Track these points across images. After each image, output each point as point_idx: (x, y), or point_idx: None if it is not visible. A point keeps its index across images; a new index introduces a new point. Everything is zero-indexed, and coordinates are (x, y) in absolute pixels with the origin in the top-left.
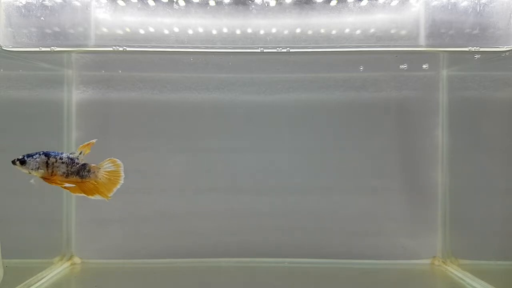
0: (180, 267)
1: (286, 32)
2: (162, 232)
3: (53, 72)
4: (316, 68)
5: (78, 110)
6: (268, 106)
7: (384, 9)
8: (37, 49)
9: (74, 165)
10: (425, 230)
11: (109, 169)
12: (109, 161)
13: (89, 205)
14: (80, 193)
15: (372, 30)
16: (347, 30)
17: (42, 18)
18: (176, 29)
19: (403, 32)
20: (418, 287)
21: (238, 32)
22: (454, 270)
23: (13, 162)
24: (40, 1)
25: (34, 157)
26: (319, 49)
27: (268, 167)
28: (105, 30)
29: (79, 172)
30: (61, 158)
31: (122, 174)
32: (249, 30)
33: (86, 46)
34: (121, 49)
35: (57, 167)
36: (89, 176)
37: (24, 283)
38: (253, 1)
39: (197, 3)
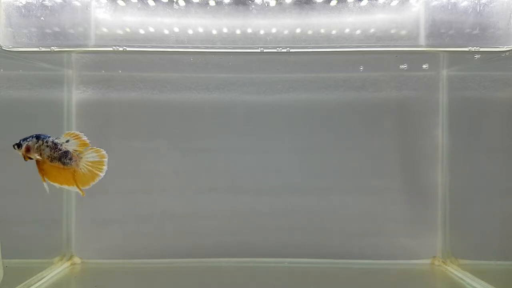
0: (180, 267)
1: (286, 32)
2: (162, 232)
3: (53, 72)
4: (316, 68)
5: (78, 110)
6: (268, 106)
7: (384, 9)
8: (37, 49)
9: (56, 151)
10: (425, 230)
11: (92, 159)
12: (92, 150)
13: (89, 205)
14: (55, 181)
15: (372, 30)
16: (347, 30)
17: (42, 18)
18: (176, 29)
19: (403, 32)
20: (418, 287)
21: (238, 32)
22: (454, 270)
23: (14, 147)
24: (40, 1)
25: (28, 140)
26: (319, 49)
27: (268, 167)
28: (105, 30)
29: (61, 158)
30: (47, 142)
31: (105, 166)
32: (249, 30)
33: (86, 46)
34: (121, 49)
35: (43, 150)
36: (71, 164)
37: (24, 283)
38: (253, 1)
39: (197, 3)
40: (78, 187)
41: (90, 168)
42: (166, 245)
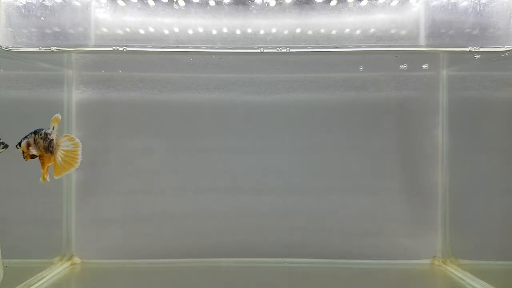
0: (180, 267)
1: (286, 32)
2: (162, 232)
3: (53, 72)
4: (316, 68)
5: (78, 110)
6: (268, 106)
7: (384, 9)
8: (37, 49)
9: (46, 140)
10: (425, 230)
11: (66, 148)
12: (66, 137)
13: (89, 205)
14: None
15: (372, 30)
16: (347, 30)
17: (42, 18)
18: (176, 29)
19: (403, 32)
20: (418, 287)
21: (238, 32)
22: (454, 270)
23: (16, 147)
24: (40, 1)
25: (27, 137)
26: (319, 49)
27: (268, 167)
28: (105, 30)
29: (48, 147)
30: (40, 134)
31: (80, 156)
32: (249, 30)
33: (86, 46)
34: (121, 49)
35: (39, 142)
36: (52, 152)
37: (24, 283)
38: (253, 1)
39: (197, 3)
40: (44, 174)
41: (64, 157)
42: (166, 245)
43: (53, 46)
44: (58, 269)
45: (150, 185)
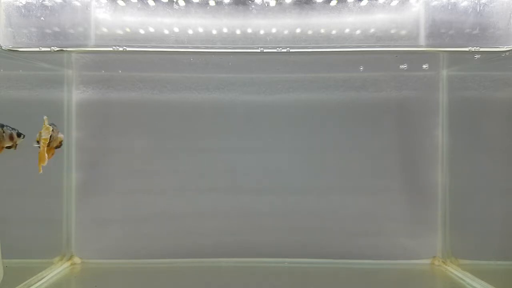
0: (180, 267)
1: (286, 32)
2: (162, 232)
3: (53, 72)
4: (316, 68)
5: (78, 110)
6: (268, 106)
7: (384, 9)
8: (37, 49)
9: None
10: (425, 230)
11: (45, 137)
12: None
13: (89, 205)
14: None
15: (372, 30)
16: (347, 30)
17: (42, 18)
18: (176, 29)
19: (403, 32)
20: (418, 287)
21: (238, 32)
22: (454, 270)
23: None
24: (40, 1)
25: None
26: (319, 49)
27: (268, 167)
28: (105, 30)
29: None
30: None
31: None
32: (249, 30)
33: (86, 46)
34: (121, 49)
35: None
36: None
37: (24, 283)
38: (253, 1)
39: (197, 3)
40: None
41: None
42: (166, 245)
43: (53, 46)
44: (58, 269)
45: (150, 185)
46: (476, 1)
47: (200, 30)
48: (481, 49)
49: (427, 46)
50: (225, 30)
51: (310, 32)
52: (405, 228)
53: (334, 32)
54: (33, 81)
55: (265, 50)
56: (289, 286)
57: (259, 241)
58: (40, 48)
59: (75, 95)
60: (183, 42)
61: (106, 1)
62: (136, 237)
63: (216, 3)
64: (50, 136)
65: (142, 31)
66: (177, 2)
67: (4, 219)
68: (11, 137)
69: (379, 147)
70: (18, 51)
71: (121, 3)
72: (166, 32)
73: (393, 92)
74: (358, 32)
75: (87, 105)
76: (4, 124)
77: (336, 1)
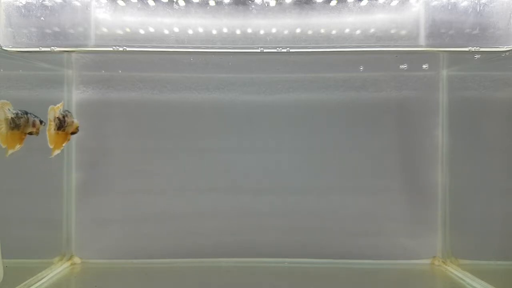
0: (180, 267)
1: (286, 32)
2: (162, 232)
3: (53, 72)
4: (316, 68)
5: (78, 110)
6: (268, 106)
7: (384, 9)
8: (37, 49)
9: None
10: (425, 230)
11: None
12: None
13: (89, 205)
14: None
15: (372, 30)
16: (347, 30)
17: (42, 18)
18: (176, 29)
19: (403, 32)
20: (418, 287)
21: (238, 32)
22: (454, 270)
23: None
24: (40, 1)
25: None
26: (319, 49)
27: (268, 167)
28: (105, 30)
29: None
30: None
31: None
32: (249, 30)
33: (86, 46)
34: (121, 49)
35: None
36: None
37: (24, 283)
38: (253, 1)
39: (197, 3)
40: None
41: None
42: (166, 245)
43: (53, 46)
44: (58, 269)
45: (150, 185)
46: (476, 1)
47: (200, 30)
48: (481, 49)
49: (427, 46)
50: (225, 30)
51: (310, 32)
52: (405, 228)
53: (334, 32)
54: (33, 81)
55: (265, 50)
56: (289, 286)
57: (259, 241)
58: (40, 48)
59: (75, 95)
60: (183, 42)
61: (106, 1)
62: (136, 237)
63: (216, 3)
64: (65, 121)
65: (142, 31)
66: (177, 2)
67: (4, 219)
68: (33, 124)
69: (379, 147)
70: (18, 51)
71: (121, 3)
72: (166, 32)
73: (393, 92)
74: (358, 32)
75: (87, 105)
76: (28, 111)
77: (336, 1)
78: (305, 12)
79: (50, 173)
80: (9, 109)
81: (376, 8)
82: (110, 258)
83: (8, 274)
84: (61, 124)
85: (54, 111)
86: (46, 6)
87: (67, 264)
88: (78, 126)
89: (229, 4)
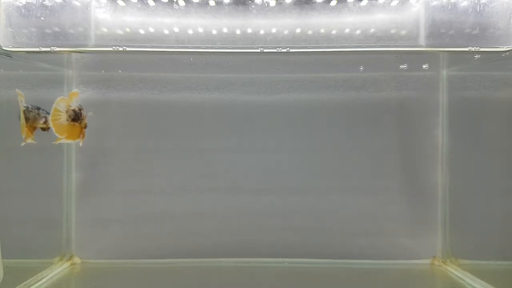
0: (180, 267)
1: (286, 32)
2: (162, 232)
3: (53, 72)
4: (316, 68)
5: None
6: (268, 106)
7: (384, 9)
8: (37, 49)
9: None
10: (425, 230)
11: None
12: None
13: (89, 205)
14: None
15: (372, 30)
16: (347, 30)
17: (42, 18)
18: (176, 29)
19: (403, 32)
20: (418, 287)
21: (238, 32)
22: (454, 270)
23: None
24: (40, 1)
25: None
26: (319, 49)
27: (268, 167)
28: (105, 30)
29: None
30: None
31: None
32: (249, 30)
33: (86, 46)
34: (121, 49)
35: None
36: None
37: (24, 283)
38: (253, 1)
39: (197, 3)
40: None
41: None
42: (166, 245)
43: (53, 46)
44: (58, 269)
45: (150, 185)
46: (476, 1)
47: (200, 30)
48: (481, 49)
49: (427, 46)
50: (225, 30)
51: (310, 32)
52: (405, 228)
53: (334, 32)
54: (33, 81)
55: (265, 50)
56: (289, 286)
57: (259, 241)
58: (40, 48)
59: None
60: (183, 42)
61: (106, 1)
62: (136, 237)
63: (216, 3)
64: (81, 114)
65: (142, 31)
66: (177, 2)
67: (4, 219)
68: (45, 121)
69: (379, 147)
70: (18, 51)
71: (121, 3)
72: (166, 32)
73: (393, 92)
74: (358, 32)
75: (87, 105)
76: (41, 107)
77: (336, 1)
78: (305, 12)
79: (50, 173)
80: (21, 101)
81: (376, 8)
82: (110, 258)
83: (8, 274)
84: (77, 116)
85: (67, 102)
86: (46, 6)
87: (67, 264)
88: (86, 123)
89: (229, 4)
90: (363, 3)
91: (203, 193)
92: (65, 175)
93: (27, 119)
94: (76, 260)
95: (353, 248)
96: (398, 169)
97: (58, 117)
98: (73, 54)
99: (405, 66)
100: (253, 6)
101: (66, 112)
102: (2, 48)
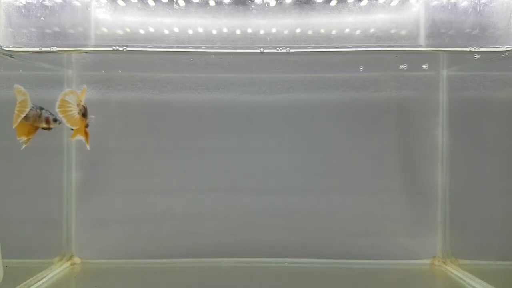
0: (180, 267)
1: (286, 32)
2: (162, 232)
3: (53, 72)
4: (316, 68)
5: None
6: (268, 106)
7: (384, 9)
8: (37, 49)
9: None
10: (425, 230)
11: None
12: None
13: (89, 205)
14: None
15: (372, 30)
16: (347, 30)
17: (42, 18)
18: (176, 29)
19: (403, 32)
20: (418, 287)
21: (238, 32)
22: (454, 270)
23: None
24: (40, 1)
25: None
26: (319, 49)
27: (268, 167)
28: (105, 30)
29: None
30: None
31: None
32: (249, 30)
33: (86, 46)
34: (121, 49)
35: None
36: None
37: (24, 283)
38: (253, 1)
39: (197, 3)
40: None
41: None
42: (166, 245)
43: (53, 46)
44: (58, 269)
45: (150, 185)
46: (476, 1)
47: (200, 30)
48: (481, 49)
49: (427, 46)
50: (225, 30)
51: (310, 32)
52: (405, 228)
53: (334, 32)
54: (33, 81)
55: (265, 50)
56: (289, 286)
57: (259, 241)
58: (40, 48)
59: None
60: (183, 42)
61: (106, 1)
62: (136, 237)
63: (216, 3)
64: (87, 112)
65: (142, 31)
66: (177, 2)
67: (4, 219)
68: (47, 121)
69: (379, 147)
70: (18, 51)
71: (121, 3)
72: (166, 32)
73: (393, 92)
74: (358, 32)
75: (87, 104)
76: (44, 108)
77: (336, 1)
78: (305, 12)
79: (50, 173)
80: (20, 99)
81: (376, 8)
82: (110, 258)
83: (8, 274)
84: (86, 113)
85: (78, 97)
86: (46, 6)
87: (67, 264)
88: (88, 123)
89: (229, 4)
90: (363, 3)
91: (203, 193)
92: (65, 175)
93: (27, 118)
94: (76, 260)
95: (353, 248)
96: (398, 169)
97: (69, 108)
98: (73, 54)
99: (405, 66)
100: (253, 6)
101: (77, 105)
102: (2, 48)
